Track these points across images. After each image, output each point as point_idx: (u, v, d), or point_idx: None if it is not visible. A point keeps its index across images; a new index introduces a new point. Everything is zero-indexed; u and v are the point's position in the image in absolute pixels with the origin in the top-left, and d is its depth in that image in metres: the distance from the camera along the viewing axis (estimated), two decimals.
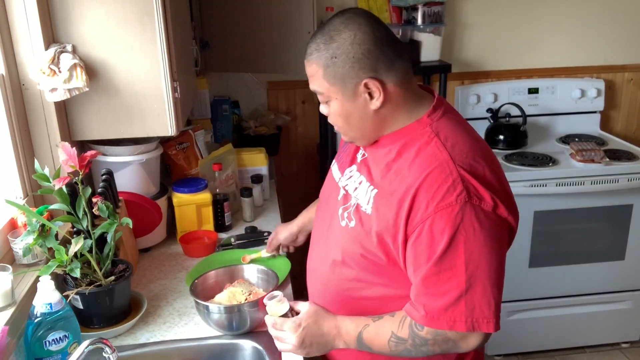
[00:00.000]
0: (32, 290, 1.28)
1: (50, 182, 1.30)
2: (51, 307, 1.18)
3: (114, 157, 1.73)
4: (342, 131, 1.23)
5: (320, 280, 1.31)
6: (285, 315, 1.28)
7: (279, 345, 1.29)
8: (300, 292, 1.73)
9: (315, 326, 1.24)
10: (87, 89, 1.49)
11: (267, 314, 1.33)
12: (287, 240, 1.67)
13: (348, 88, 1.14)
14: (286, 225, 1.68)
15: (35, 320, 1.17)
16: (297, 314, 1.30)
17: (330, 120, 1.23)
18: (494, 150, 2.78)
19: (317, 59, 1.15)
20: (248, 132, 2.69)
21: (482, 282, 1.07)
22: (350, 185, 1.26)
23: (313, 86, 1.20)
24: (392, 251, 1.15)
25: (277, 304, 1.29)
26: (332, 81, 1.15)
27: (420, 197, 1.08)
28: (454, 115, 1.22)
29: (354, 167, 1.28)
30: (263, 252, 1.70)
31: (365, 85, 1.13)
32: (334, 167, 1.39)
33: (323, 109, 1.23)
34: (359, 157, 1.28)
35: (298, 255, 1.73)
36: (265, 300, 1.30)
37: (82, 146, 1.71)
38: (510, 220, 1.12)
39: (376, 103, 1.14)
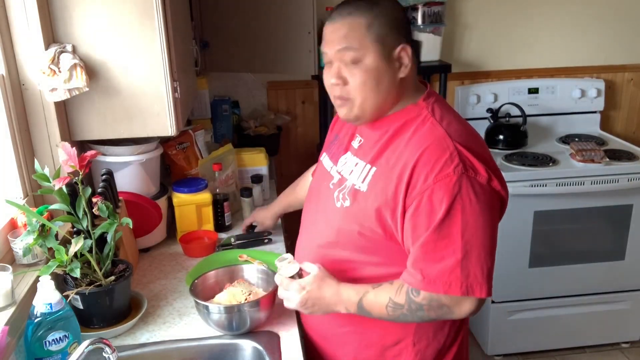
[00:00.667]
0: (32, 290, 1.28)
1: (50, 182, 1.30)
2: (51, 307, 1.18)
3: (114, 157, 1.73)
4: (362, 99, 1.22)
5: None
6: (293, 277, 1.31)
7: (285, 303, 1.33)
8: None
9: (318, 290, 1.27)
10: (87, 89, 1.49)
11: (267, 314, 1.37)
12: (264, 219, 1.86)
13: (386, 50, 1.19)
14: (266, 208, 1.86)
15: (35, 320, 1.17)
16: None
17: (354, 83, 1.21)
18: (494, 151, 2.82)
19: (359, 16, 1.19)
20: (248, 132, 2.69)
21: (477, 249, 1.14)
22: (346, 169, 1.32)
23: (346, 43, 1.20)
24: (389, 225, 1.20)
25: (287, 265, 1.32)
26: (374, 39, 1.19)
27: (419, 170, 1.15)
28: (445, 103, 1.30)
29: (349, 153, 1.34)
30: (256, 264, 1.66)
31: (401, 50, 1.20)
32: (325, 159, 1.45)
33: (335, 76, 1.23)
34: (355, 144, 1.33)
35: None
36: (276, 262, 1.34)
37: (82, 146, 1.71)
38: (502, 193, 1.20)
39: (405, 71, 1.22)
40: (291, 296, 1.30)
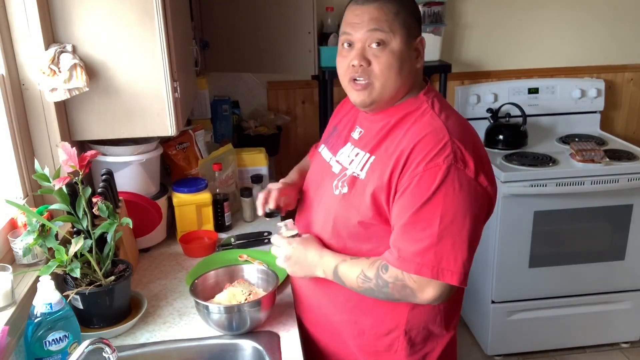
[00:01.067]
0: (32, 290, 1.28)
1: (50, 182, 1.30)
2: (51, 307, 1.18)
3: (114, 157, 1.73)
4: (383, 81, 1.25)
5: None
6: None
7: (274, 252, 1.40)
8: None
9: (303, 248, 1.35)
10: (87, 89, 1.49)
11: (267, 314, 1.38)
12: (293, 200, 1.54)
13: (410, 38, 1.26)
14: (289, 185, 1.55)
15: (35, 320, 1.17)
16: None
17: (378, 65, 1.24)
18: (494, 150, 2.81)
19: (390, 2, 1.24)
20: (248, 132, 2.69)
21: (453, 237, 1.16)
22: (346, 160, 1.36)
23: (377, 24, 1.23)
24: (384, 209, 1.24)
25: (286, 230, 1.41)
26: (402, 25, 1.24)
27: (413, 157, 1.19)
28: (444, 99, 1.35)
29: (349, 144, 1.38)
30: (256, 264, 1.65)
31: (420, 41, 1.28)
32: (324, 150, 1.47)
33: (359, 57, 1.25)
34: (356, 135, 1.37)
35: None
36: (277, 224, 1.43)
37: (82, 146, 1.71)
38: (489, 191, 1.22)
39: (421, 61, 1.29)
40: (279, 250, 1.38)
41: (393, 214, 1.23)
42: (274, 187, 1.50)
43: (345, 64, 1.29)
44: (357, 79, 1.27)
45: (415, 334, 1.34)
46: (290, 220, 1.45)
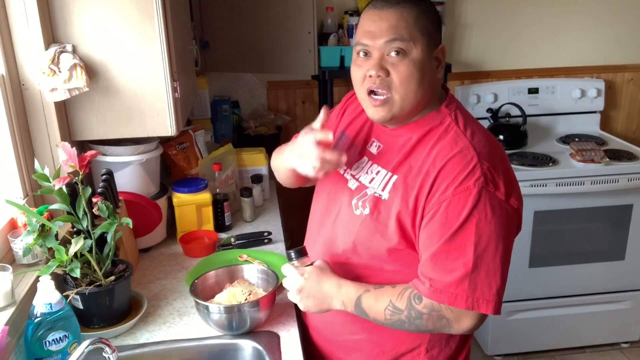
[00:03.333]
0: (32, 290, 1.28)
1: (50, 182, 1.30)
2: (51, 307, 1.18)
3: (114, 157, 1.73)
4: (404, 93, 1.15)
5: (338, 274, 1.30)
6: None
7: (286, 286, 1.29)
8: None
9: (317, 280, 1.24)
10: (87, 89, 1.49)
11: (267, 314, 1.38)
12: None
13: (431, 46, 1.16)
14: None
15: (35, 320, 1.17)
16: None
17: (397, 75, 1.14)
18: None
19: (410, 7, 1.15)
20: (248, 132, 2.69)
21: (487, 265, 1.10)
22: (364, 177, 1.26)
23: (396, 33, 1.13)
24: (409, 233, 1.17)
25: (297, 258, 1.28)
26: (422, 32, 1.15)
27: (440, 180, 1.12)
28: (465, 110, 1.26)
29: (365, 159, 1.29)
30: (256, 264, 1.64)
31: (441, 50, 1.18)
32: None
33: (376, 67, 1.14)
34: (373, 150, 1.28)
35: None
36: (287, 251, 1.30)
37: (82, 146, 1.71)
38: (519, 211, 1.16)
39: (441, 71, 1.20)
40: (290, 282, 1.27)
41: (421, 240, 1.16)
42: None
43: (361, 74, 1.18)
44: (376, 92, 1.17)
45: (437, 352, 1.31)
46: (301, 248, 1.32)
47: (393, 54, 1.14)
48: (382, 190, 1.21)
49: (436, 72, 1.19)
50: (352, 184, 1.28)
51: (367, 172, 1.26)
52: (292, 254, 1.29)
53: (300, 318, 1.47)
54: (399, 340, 1.29)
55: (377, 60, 1.15)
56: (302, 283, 1.24)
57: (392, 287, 1.20)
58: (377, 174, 1.24)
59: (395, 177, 1.20)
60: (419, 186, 1.15)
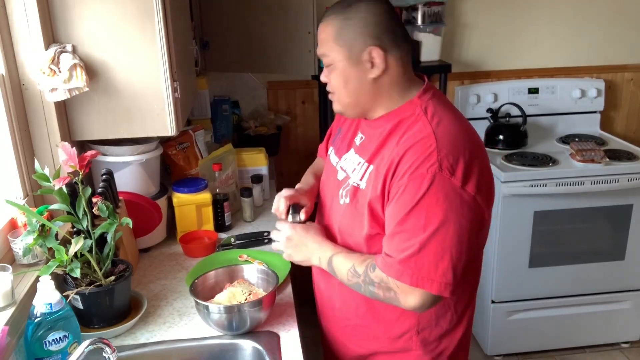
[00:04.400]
0: (32, 290, 1.28)
1: (50, 182, 1.30)
2: (51, 307, 1.18)
3: (114, 157, 1.73)
4: (337, 97, 1.32)
5: None
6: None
7: (273, 244, 1.47)
8: (300, 292, 1.73)
9: (305, 233, 1.40)
10: (87, 89, 1.49)
11: (267, 314, 1.39)
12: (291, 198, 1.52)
13: (354, 53, 1.24)
14: (305, 190, 1.56)
15: (35, 320, 1.17)
16: None
17: (330, 83, 1.32)
18: (494, 150, 2.81)
19: (332, 20, 1.26)
20: (248, 132, 2.69)
21: (436, 247, 1.16)
22: (349, 167, 1.37)
23: (321, 50, 1.30)
24: (381, 218, 1.26)
25: (293, 215, 1.45)
26: (342, 43, 1.24)
27: (400, 167, 1.20)
28: (443, 99, 1.32)
29: (352, 151, 1.39)
30: (256, 264, 1.65)
31: (370, 53, 1.23)
32: (331, 153, 1.49)
33: (324, 75, 1.33)
34: (357, 141, 1.38)
35: None
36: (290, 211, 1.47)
37: (82, 146, 1.71)
38: (478, 199, 1.19)
39: (376, 72, 1.24)
40: (280, 233, 1.42)
41: (385, 222, 1.25)
42: (285, 194, 1.49)
43: None
44: (328, 90, 1.35)
45: (428, 333, 1.36)
46: (297, 205, 1.48)
47: (325, 65, 1.31)
48: (360, 180, 1.31)
49: (369, 72, 1.25)
50: (340, 175, 1.40)
51: (350, 163, 1.37)
52: (291, 209, 1.46)
53: (315, 315, 1.54)
54: (388, 325, 1.36)
55: (324, 70, 1.33)
56: (291, 234, 1.40)
57: (360, 254, 1.31)
58: (357, 164, 1.34)
59: (371, 167, 1.29)
60: (385, 173, 1.23)
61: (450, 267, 1.16)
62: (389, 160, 1.22)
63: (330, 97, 1.35)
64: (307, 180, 1.61)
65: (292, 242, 1.41)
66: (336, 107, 1.35)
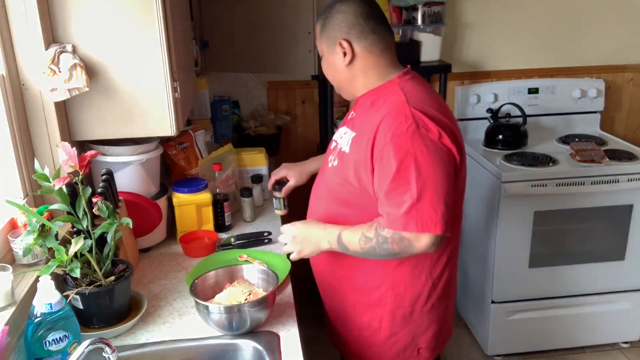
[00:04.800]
0: (32, 290, 1.28)
1: (50, 182, 1.30)
2: (51, 307, 1.18)
3: (114, 157, 1.73)
4: (330, 81, 1.61)
5: (315, 217, 1.61)
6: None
7: (284, 245, 1.58)
8: (300, 293, 1.73)
9: (306, 226, 1.55)
10: (87, 89, 1.49)
11: (267, 314, 1.39)
12: (300, 176, 1.91)
13: (330, 45, 1.51)
14: (298, 165, 1.94)
15: (35, 320, 1.17)
16: None
17: (324, 71, 1.59)
18: (494, 150, 2.81)
19: (319, 19, 1.54)
20: (248, 132, 2.69)
21: (430, 194, 1.33)
22: (340, 138, 1.57)
23: (317, 43, 1.58)
24: (364, 180, 1.43)
25: (278, 195, 1.87)
26: (325, 38, 1.52)
27: (380, 131, 1.38)
28: (421, 81, 1.53)
29: (345, 126, 1.59)
30: (256, 264, 1.65)
31: (340, 44, 1.48)
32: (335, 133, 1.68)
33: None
34: (350, 117, 1.59)
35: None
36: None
37: (82, 146, 1.71)
38: (453, 150, 1.38)
39: (347, 59, 1.49)
40: (285, 235, 1.55)
41: (375, 184, 1.40)
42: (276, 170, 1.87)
43: None
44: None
45: (403, 290, 1.52)
46: (283, 180, 1.86)
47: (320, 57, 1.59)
48: (346, 145, 1.51)
49: (342, 60, 1.49)
50: (332, 145, 1.62)
51: (341, 135, 1.58)
52: (276, 186, 1.85)
53: (311, 281, 1.72)
54: (368, 276, 1.54)
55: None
56: (295, 231, 1.54)
57: (363, 224, 1.44)
58: (344, 134, 1.55)
59: (354, 134, 1.50)
60: (367, 139, 1.41)
61: (445, 210, 1.34)
62: (370, 125, 1.41)
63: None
64: (308, 161, 1.93)
65: (297, 238, 1.53)
66: (336, 89, 1.62)
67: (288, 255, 1.58)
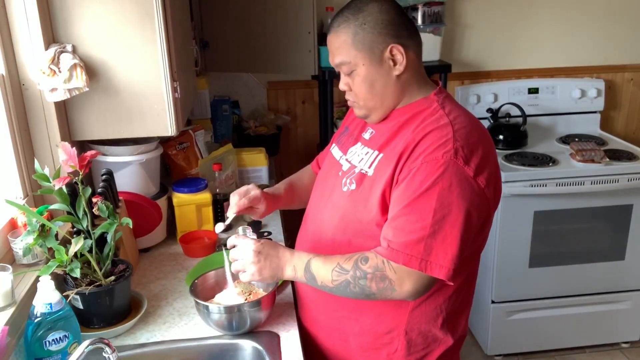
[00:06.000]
0: (32, 290, 1.28)
1: (50, 182, 1.30)
2: (51, 307, 1.18)
3: (114, 157, 1.73)
4: (363, 102, 1.31)
5: (312, 248, 1.39)
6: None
7: (235, 259, 1.32)
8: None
9: (273, 244, 1.32)
10: (87, 89, 1.49)
11: (267, 314, 1.38)
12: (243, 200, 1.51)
13: (375, 54, 1.25)
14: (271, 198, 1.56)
15: (35, 320, 1.17)
16: None
17: (354, 89, 1.31)
18: None
19: (346, 28, 1.26)
20: (248, 132, 2.70)
21: (445, 232, 1.15)
22: (355, 158, 1.36)
23: (339, 58, 1.28)
24: (388, 205, 1.24)
25: (248, 234, 1.41)
26: (361, 48, 1.25)
27: (416, 150, 1.20)
28: (456, 101, 1.34)
29: (359, 144, 1.38)
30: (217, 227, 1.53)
31: (391, 51, 1.25)
32: (334, 149, 1.48)
33: (343, 83, 1.33)
34: (367, 135, 1.38)
35: None
36: (238, 229, 1.43)
37: (82, 146, 1.71)
38: (486, 193, 1.20)
39: (399, 68, 1.26)
40: (242, 250, 1.29)
41: (390, 204, 1.22)
42: (238, 200, 1.48)
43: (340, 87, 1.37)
44: (348, 99, 1.35)
45: (415, 335, 1.33)
46: (249, 228, 1.45)
47: (345, 73, 1.30)
48: (369, 167, 1.29)
49: (392, 70, 1.27)
50: (345, 167, 1.37)
51: (357, 154, 1.36)
52: (240, 230, 1.42)
53: (296, 314, 1.49)
54: (377, 320, 1.33)
55: (342, 78, 1.33)
56: (259, 247, 1.29)
57: (342, 255, 1.25)
58: (365, 154, 1.33)
59: (381, 155, 1.28)
60: (397, 157, 1.22)
61: (458, 254, 1.16)
62: (404, 145, 1.22)
63: (351, 103, 1.35)
64: (278, 187, 1.62)
65: (261, 255, 1.28)
66: (360, 112, 1.34)
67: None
